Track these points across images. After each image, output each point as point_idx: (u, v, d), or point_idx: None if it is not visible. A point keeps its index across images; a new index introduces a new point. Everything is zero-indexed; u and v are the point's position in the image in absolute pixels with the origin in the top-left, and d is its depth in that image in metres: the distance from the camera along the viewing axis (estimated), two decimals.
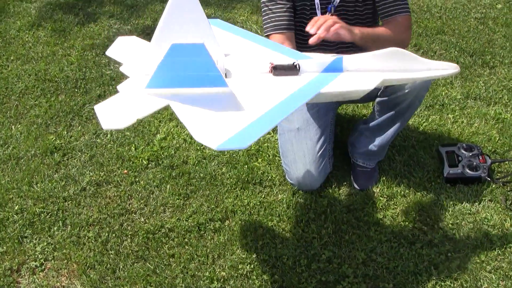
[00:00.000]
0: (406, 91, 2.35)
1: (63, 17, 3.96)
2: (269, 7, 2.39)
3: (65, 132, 3.00)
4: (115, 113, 1.66)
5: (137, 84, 1.79)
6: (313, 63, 1.89)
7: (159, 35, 1.86)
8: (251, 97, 1.76)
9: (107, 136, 2.99)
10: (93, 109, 3.14)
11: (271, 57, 1.98)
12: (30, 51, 3.65)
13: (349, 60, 1.87)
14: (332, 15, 2.40)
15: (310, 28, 2.04)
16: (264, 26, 2.44)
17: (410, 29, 2.49)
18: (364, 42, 2.17)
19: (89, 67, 3.47)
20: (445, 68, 1.89)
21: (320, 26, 2.02)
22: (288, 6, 2.39)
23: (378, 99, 2.52)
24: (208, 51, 1.63)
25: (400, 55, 1.85)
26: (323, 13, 2.40)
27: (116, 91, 1.78)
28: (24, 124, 3.06)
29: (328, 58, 1.88)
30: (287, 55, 2.01)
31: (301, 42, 2.44)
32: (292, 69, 1.87)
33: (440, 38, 3.68)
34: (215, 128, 1.59)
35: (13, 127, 3.05)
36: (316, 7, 2.40)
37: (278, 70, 1.86)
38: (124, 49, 2.11)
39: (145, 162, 2.81)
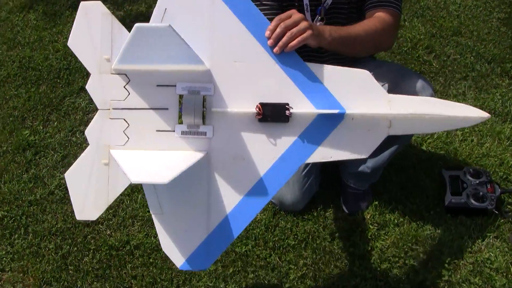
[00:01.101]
0: None
1: None
2: None
3: (41, 127, 2.70)
4: (86, 195, 1.53)
5: (106, 131, 1.54)
6: (309, 110, 1.52)
7: (122, 60, 1.53)
8: (227, 162, 1.52)
9: (83, 135, 2.67)
10: (73, 103, 2.84)
11: (266, 82, 1.59)
12: (17, 36, 3.36)
13: (353, 113, 1.50)
14: (321, 18, 2.02)
15: (267, 35, 1.61)
16: None
17: (394, 29, 1.96)
18: (335, 47, 1.74)
19: (74, 56, 3.06)
20: (471, 117, 1.48)
21: (277, 38, 1.59)
22: (274, 6, 2.02)
23: None
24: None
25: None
26: (312, 15, 2.02)
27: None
28: (1, 116, 2.77)
29: (329, 110, 1.51)
30: (292, 78, 1.60)
31: None
32: (281, 117, 1.51)
33: (455, 40, 3.21)
34: (179, 237, 1.50)
35: None
36: (305, 8, 2.02)
37: (265, 116, 1.51)
38: (88, 40, 1.68)
39: None
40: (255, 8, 1.64)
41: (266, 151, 1.50)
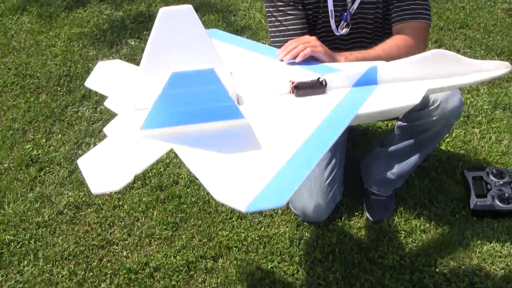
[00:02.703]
0: (434, 118, 1.80)
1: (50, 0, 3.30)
2: (277, 18, 1.79)
3: (44, 141, 2.45)
4: (105, 170, 1.19)
5: (129, 124, 1.30)
6: (341, 76, 1.41)
7: (150, 58, 1.36)
8: (274, 128, 1.30)
9: (89, 146, 2.42)
10: (76, 112, 2.58)
11: (289, 73, 1.49)
12: (12, 40, 3.06)
13: (384, 68, 1.40)
14: (347, 24, 1.81)
15: (279, 53, 1.57)
16: (273, 40, 1.85)
17: (420, 44, 1.79)
18: None
19: (74, 61, 2.88)
20: (495, 69, 1.39)
21: (289, 52, 1.54)
22: (300, 16, 1.80)
23: (399, 123, 1.96)
24: (219, 77, 1.17)
25: (442, 57, 1.39)
26: (337, 22, 1.80)
27: (103, 135, 1.33)
28: (0, 130, 2.49)
29: (359, 69, 1.41)
30: (306, 69, 1.53)
31: None
32: (317, 87, 1.39)
33: (463, 33, 3.01)
34: (238, 181, 1.15)
35: None
36: (330, 15, 1.81)
37: (301, 89, 1.38)
38: (107, 77, 1.57)
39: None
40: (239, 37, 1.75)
41: (312, 114, 1.33)
